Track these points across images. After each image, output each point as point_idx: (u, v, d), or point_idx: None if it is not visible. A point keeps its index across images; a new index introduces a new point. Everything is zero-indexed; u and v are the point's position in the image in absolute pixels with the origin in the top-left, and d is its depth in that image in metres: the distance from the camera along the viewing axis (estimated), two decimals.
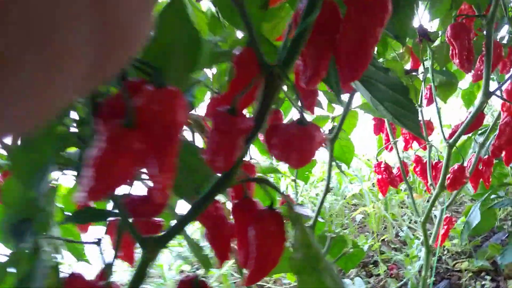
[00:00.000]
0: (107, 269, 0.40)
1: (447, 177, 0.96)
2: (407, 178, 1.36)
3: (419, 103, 1.21)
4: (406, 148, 1.25)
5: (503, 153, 0.95)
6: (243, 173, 0.45)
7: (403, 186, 1.79)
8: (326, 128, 1.03)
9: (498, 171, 1.45)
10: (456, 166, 0.95)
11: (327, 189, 0.79)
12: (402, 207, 1.68)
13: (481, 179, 1.07)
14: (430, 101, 1.24)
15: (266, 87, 0.33)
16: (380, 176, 1.12)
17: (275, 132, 0.34)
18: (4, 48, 0.08)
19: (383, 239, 1.47)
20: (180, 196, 0.45)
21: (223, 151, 0.31)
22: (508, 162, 0.97)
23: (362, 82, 0.48)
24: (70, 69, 0.10)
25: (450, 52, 0.83)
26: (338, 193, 1.60)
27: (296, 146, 0.33)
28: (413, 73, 1.21)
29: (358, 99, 1.32)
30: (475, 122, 0.88)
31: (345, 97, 1.05)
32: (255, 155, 1.12)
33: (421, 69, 1.21)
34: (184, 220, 0.39)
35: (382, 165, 1.11)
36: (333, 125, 1.02)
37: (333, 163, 0.88)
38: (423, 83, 1.21)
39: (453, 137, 0.90)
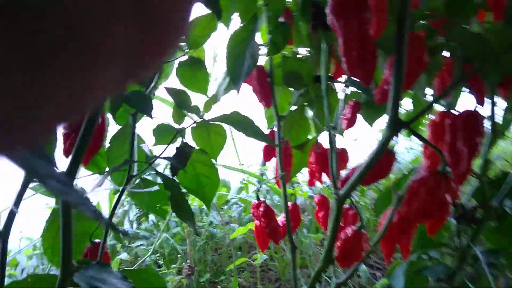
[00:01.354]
0: None
1: (336, 246, 0.62)
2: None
3: (332, 124, 0.86)
4: (311, 183, 0.91)
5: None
6: None
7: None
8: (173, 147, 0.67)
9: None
10: (349, 231, 0.61)
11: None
12: (322, 246, 1.34)
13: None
14: (350, 122, 0.90)
15: None
16: (257, 222, 0.77)
17: None
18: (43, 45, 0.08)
19: None
20: None
21: None
22: (433, 232, 0.64)
23: None
24: (107, 65, 0.09)
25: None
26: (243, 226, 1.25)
27: None
28: (328, 82, 0.87)
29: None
30: (379, 167, 0.54)
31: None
32: None
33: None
34: None
35: (262, 207, 0.76)
36: (182, 141, 0.66)
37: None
38: (342, 97, 0.88)
39: (345, 188, 0.55)
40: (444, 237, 1.05)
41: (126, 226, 1.29)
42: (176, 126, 0.66)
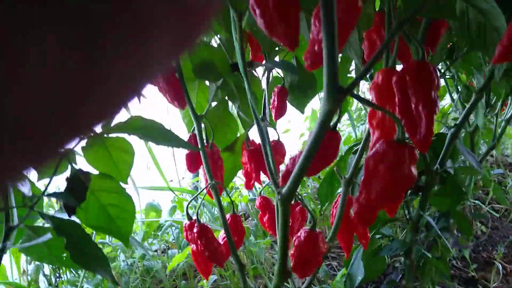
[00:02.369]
0: None
1: (290, 254, 0.51)
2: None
3: (261, 114, 0.77)
4: (248, 186, 0.80)
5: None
6: None
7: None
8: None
9: None
10: (302, 233, 0.50)
11: None
12: (273, 250, 1.24)
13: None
14: (279, 111, 0.82)
15: None
16: (194, 246, 0.63)
17: None
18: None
19: None
20: None
21: None
22: (393, 212, 0.56)
23: None
24: (154, 44, 0.09)
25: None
26: None
27: None
28: (249, 69, 0.76)
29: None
30: (324, 150, 0.45)
31: None
32: None
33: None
34: None
35: (196, 228, 0.62)
36: (72, 168, 0.50)
37: None
38: (265, 85, 0.78)
39: (287, 184, 0.44)
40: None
41: (42, 284, 1.05)
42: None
